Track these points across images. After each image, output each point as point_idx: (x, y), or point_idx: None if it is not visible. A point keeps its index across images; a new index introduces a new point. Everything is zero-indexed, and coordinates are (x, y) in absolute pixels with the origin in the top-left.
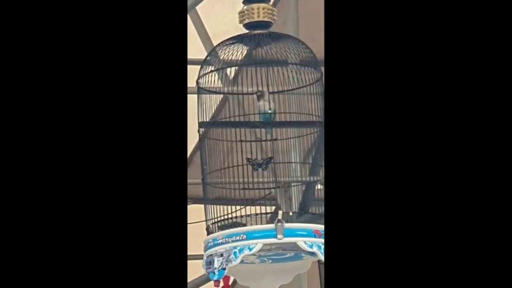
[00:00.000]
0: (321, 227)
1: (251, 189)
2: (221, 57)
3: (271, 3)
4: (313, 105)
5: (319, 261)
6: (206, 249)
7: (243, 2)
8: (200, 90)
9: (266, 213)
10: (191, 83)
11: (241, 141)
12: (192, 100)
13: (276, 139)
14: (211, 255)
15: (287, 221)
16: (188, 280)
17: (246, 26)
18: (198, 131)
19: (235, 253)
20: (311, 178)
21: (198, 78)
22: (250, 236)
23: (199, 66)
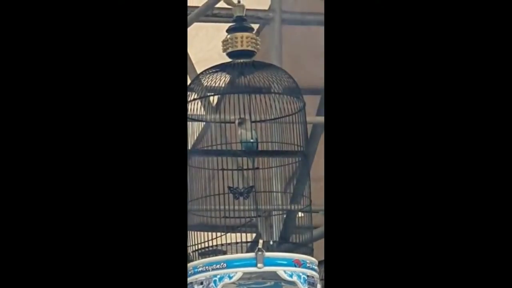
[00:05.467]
0: (301, 256)
1: (232, 217)
2: (204, 85)
3: (254, 31)
4: (295, 135)
5: None
6: None
7: (227, 31)
8: None
9: (247, 242)
10: None
11: (222, 169)
12: None
13: (258, 168)
14: (191, 282)
15: (267, 250)
16: None
17: (230, 54)
18: None
19: (215, 281)
20: (292, 207)
21: None
22: (230, 264)
23: None
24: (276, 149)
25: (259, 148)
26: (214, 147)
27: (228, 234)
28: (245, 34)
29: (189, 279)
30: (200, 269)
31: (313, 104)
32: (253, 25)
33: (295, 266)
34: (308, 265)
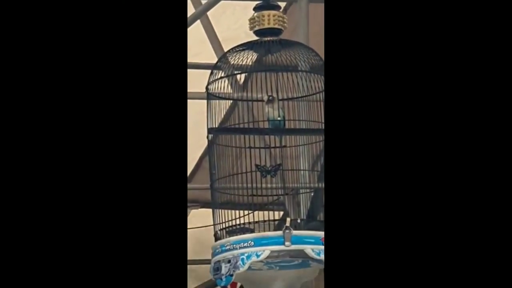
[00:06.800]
0: None
1: (259, 195)
2: (231, 63)
3: (281, 10)
4: (322, 113)
5: None
6: (213, 255)
7: (254, 9)
8: (209, 96)
9: (274, 220)
10: (201, 88)
11: (250, 147)
12: (201, 105)
13: (285, 146)
14: (218, 261)
15: (295, 228)
16: (195, 285)
17: (257, 33)
18: (207, 136)
19: (242, 259)
20: (320, 185)
21: (208, 84)
22: (257, 242)
23: (209, 71)
24: (303, 127)
25: (286, 126)
26: (242, 125)
27: (256, 212)
28: (272, 12)
29: (217, 257)
30: (228, 247)
31: None
32: (280, 3)
33: (323, 244)
34: None
